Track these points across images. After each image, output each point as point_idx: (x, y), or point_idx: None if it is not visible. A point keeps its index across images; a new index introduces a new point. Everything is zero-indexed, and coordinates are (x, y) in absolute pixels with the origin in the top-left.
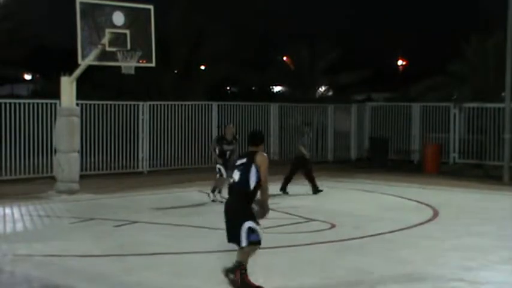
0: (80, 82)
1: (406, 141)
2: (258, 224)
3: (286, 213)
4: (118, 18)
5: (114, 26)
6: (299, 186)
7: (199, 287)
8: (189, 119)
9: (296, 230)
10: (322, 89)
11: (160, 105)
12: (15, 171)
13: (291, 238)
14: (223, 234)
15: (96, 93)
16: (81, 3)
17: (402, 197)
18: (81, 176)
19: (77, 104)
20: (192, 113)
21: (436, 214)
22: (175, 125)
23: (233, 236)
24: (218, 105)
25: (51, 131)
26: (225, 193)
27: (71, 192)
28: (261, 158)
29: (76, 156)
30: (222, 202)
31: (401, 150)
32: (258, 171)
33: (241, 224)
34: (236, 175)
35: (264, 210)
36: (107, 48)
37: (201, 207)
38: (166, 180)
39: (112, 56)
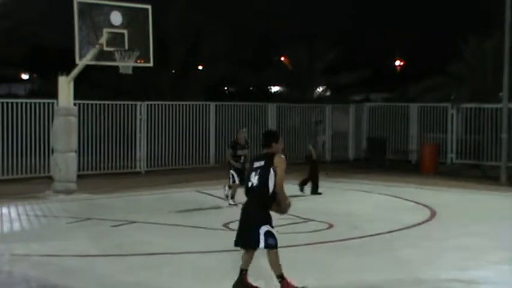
0: (78, 82)
1: (404, 141)
2: (273, 227)
3: None
4: (116, 18)
5: (112, 26)
6: (297, 187)
7: (197, 287)
8: (186, 119)
9: (294, 230)
10: (320, 89)
11: (158, 105)
12: (13, 171)
13: (290, 238)
14: (221, 234)
15: (94, 93)
16: (79, 2)
17: (400, 197)
18: (79, 176)
19: (75, 104)
20: (189, 113)
21: (433, 214)
22: (173, 125)
23: (244, 239)
24: (216, 105)
25: (49, 131)
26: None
27: (68, 192)
28: (278, 160)
29: (73, 156)
30: (231, 205)
31: (399, 150)
32: (276, 175)
33: (257, 228)
34: (254, 178)
35: (282, 208)
36: (105, 48)
37: (199, 207)
38: (163, 180)
39: (110, 56)
